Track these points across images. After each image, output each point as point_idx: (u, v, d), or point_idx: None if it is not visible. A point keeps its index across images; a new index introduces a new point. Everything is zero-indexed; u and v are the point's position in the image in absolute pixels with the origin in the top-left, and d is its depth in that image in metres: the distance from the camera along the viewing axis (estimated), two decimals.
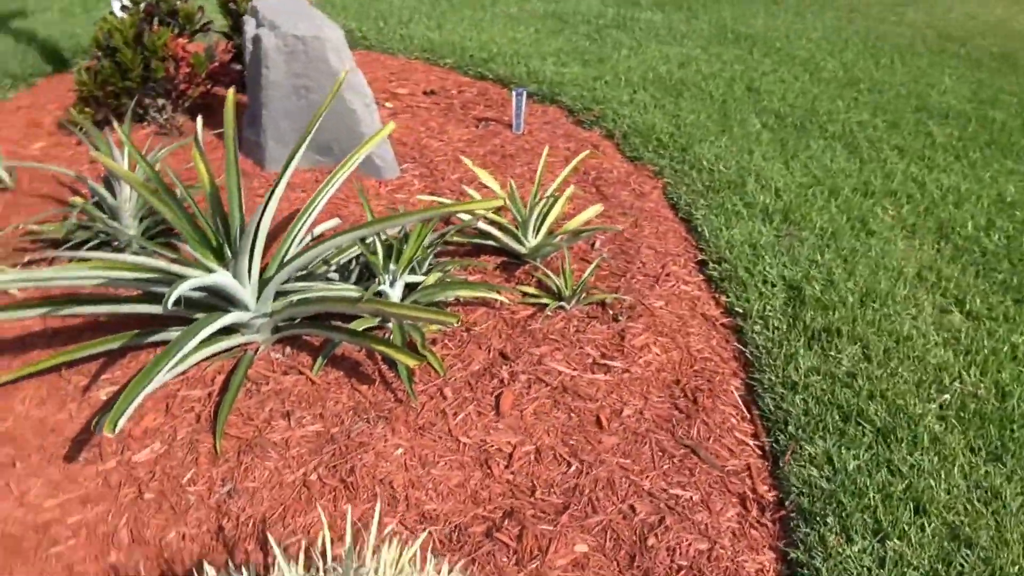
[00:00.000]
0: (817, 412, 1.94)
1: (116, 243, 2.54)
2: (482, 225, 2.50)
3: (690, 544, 1.62)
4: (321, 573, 1.15)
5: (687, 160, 3.26)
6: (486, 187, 2.78)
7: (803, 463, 1.80)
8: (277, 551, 1.22)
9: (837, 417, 1.93)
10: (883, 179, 3.14)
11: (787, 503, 1.73)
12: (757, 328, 2.27)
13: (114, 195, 2.50)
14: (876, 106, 3.89)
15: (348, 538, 1.26)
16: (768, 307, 2.35)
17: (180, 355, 1.65)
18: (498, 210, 2.80)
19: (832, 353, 2.15)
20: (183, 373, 2.01)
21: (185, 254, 2.11)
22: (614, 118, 3.67)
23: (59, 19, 4.99)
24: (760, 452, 1.89)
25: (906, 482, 1.73)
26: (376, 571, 1.12)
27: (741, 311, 2.36)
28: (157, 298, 1.98)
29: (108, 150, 2.56)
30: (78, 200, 2.66)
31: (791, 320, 2.29)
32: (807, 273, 2.50)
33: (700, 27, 5.36)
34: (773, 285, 2.46)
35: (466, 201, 2.78)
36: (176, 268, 1.80)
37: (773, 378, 2.07)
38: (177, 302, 2.00)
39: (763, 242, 2.67)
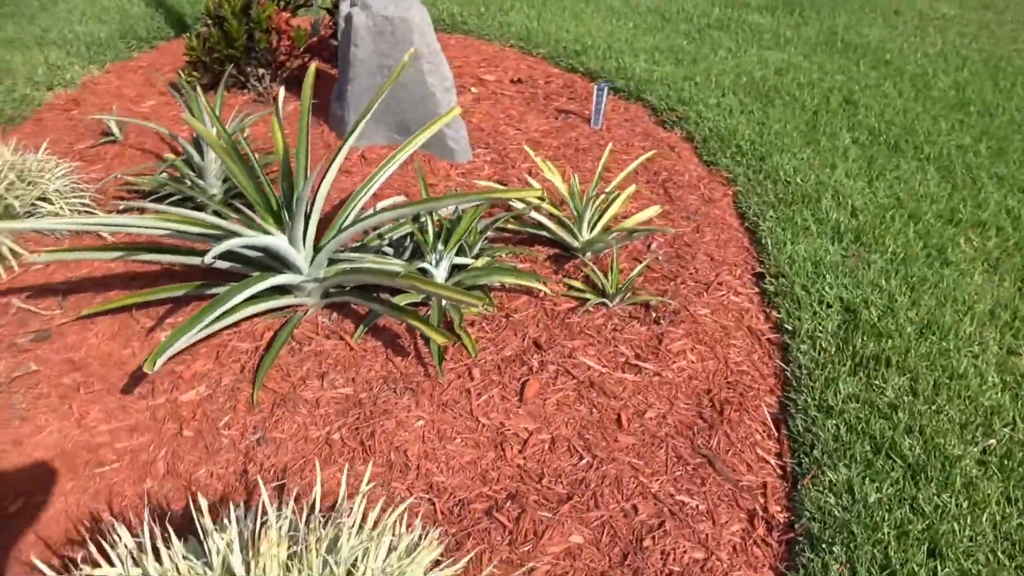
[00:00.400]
0: (848, 440, 1.88)
1: (199, 200, 2.73)
2: (537, 215, 2.54)
3: (686, 551, 1.62)
4: (313, 523, 1.23)
5: (764, 169, 3.18)
6: (549, 180, 2.81)
7: (822, 489, 1.76)
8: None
9: (868, 447, 1.86)
10: (973, 208, 2.96)
11: (796, 526, 1.70)
12: (803, 348, 2.21)
13: (202, 156, 2.68)
14: (983, 130, 3.65)
15: (342, 492, 1.34)
16: (819, 328, 2.28)
17: (225, 308, 1.78)
18: (560, 204, 2.83)
19: (877, 382, 2.06)
20: (236, 326, 2.16)
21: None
22: (696, 120, 3.61)
23: None
24: (780, 472, 1.85)
25: (927, 522, 1.66)
26: (356, 524, 1.19)
27: (790, 328, 2.30)
28: (223, 255, 2.13)
29: (200, 113, 2.75)
30: (170, 157, 2.87)
31: (840, 343, 2.22)
32: (867, 297, 2.40)
33: (808, 33, 5.16)
34: (829, 306, 2.38)
35: (507, 188, 2.82)
36: (235, 227, 1.93)
37: (808, 400, 2.02)
38: (239, 260, 2.15)
39: (827, 260, 2.58)
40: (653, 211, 2.75)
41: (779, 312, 2.38)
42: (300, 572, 1.08)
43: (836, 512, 1.69)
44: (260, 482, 1.62)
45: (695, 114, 3.66)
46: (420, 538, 1.30)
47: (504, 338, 2.19)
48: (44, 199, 2.49)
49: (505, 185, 2.98)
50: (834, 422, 1.93)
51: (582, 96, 3.90)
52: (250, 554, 1.08)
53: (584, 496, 1.74)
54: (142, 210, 2.71)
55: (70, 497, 1.68)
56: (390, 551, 1.20)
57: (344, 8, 3.10)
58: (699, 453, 1.88)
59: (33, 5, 4.73)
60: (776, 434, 1.95)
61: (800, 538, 1.66)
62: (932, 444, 1.86)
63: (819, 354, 2.18)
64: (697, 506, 1.73)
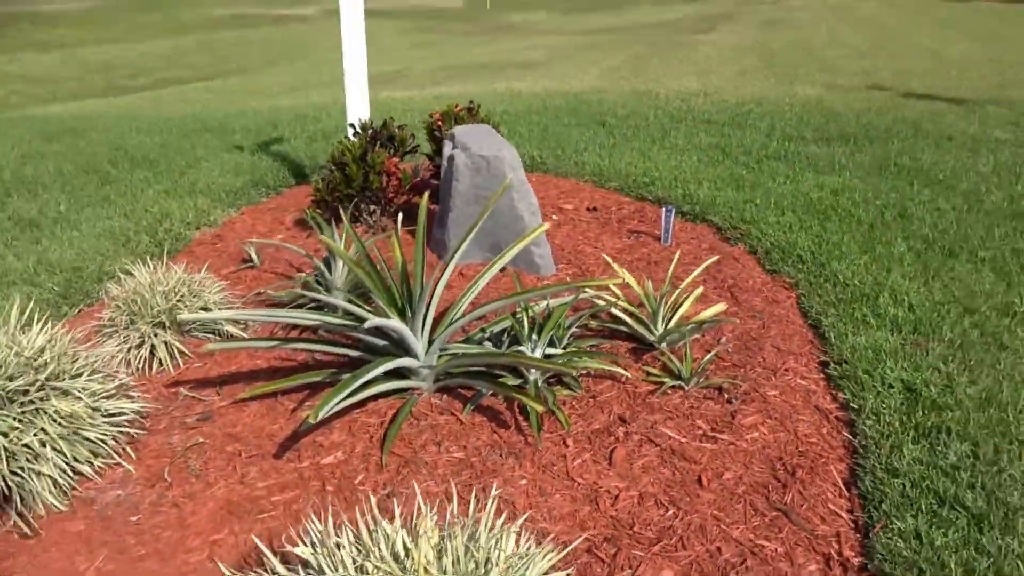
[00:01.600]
0: (913, 495, 2.06)
1: (326, 309, 3.21)
2: (616, 311, 2.90)
3: None
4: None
5: (824, 274, 3.47)
6: (627, 286, 3.18)
7: (892, 535, 1.94)
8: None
9: (932, 501, 2.04)
10: None
11: (870, 567, 1.87)
12: (868, 422, 2.42)
13: (330, 271, 3.20)
14: None
15: (471, 508, 1.64)
16: (883, 405, 2.49)
17: (366, 378, 2.17)
18: (638, 306, 3.19)
19: (939, 448, 2.25)
20: (363, 405, 2.54)
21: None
22: (758, 236, 3.97)
23: (304, 145, 6.22)
24: (852, 525, 2.03)
25: (991, 560, 1.81)
26: (488, 524, 1.48)
27: (855, 406, 2.52)
28: (353, 345, 2.56)
29: (331, 238, 3.30)
30: (301, 275, 3.40)
31: (903, 417, 2.42)
32: (927, 378, 2.61)
33: (862, 160, 5.56)
34: (891, 386, 2.59)
35: (596, 278, 3.19)
36: (369, 316, 2.36)
37: (875, 463, 2.22)
38: (367, 349, 2.57)
39: (887, 348, 2.81)
40: (720, 307, 3.07)
41: (844, 393, 2.60)
42: (447, 554, 1.38)
43: (906, 554, 1.86)
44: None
45: (757, 230, 4.03)
46: (535, 548, 1.57)
47: (592, 414, 2.49)
48: (205, 308, 3.01)
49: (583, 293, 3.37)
50: (900, 481, 2.12)
51: (651, 219, 4.34)
52: (408, 539, 1.39)
53: (672, 540, 1.97)
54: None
55: (239, 536, 2.02)
56: (513, 553, 1.49)
57: (447, 151, 3.70)
58: (775, 507, 2.09)
59: (182, 163, 5.63)
60: (846, 493, 2.15)
61: None
62: (994, 497, 2.02)
63: (883, 426, 2.38)
64: (776, 549, 1.93)
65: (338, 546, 1.40)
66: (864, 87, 9.56)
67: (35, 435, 2.06)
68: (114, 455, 2.28)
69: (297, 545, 1.50)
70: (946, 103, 8.22)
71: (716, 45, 16.21)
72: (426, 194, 3.03)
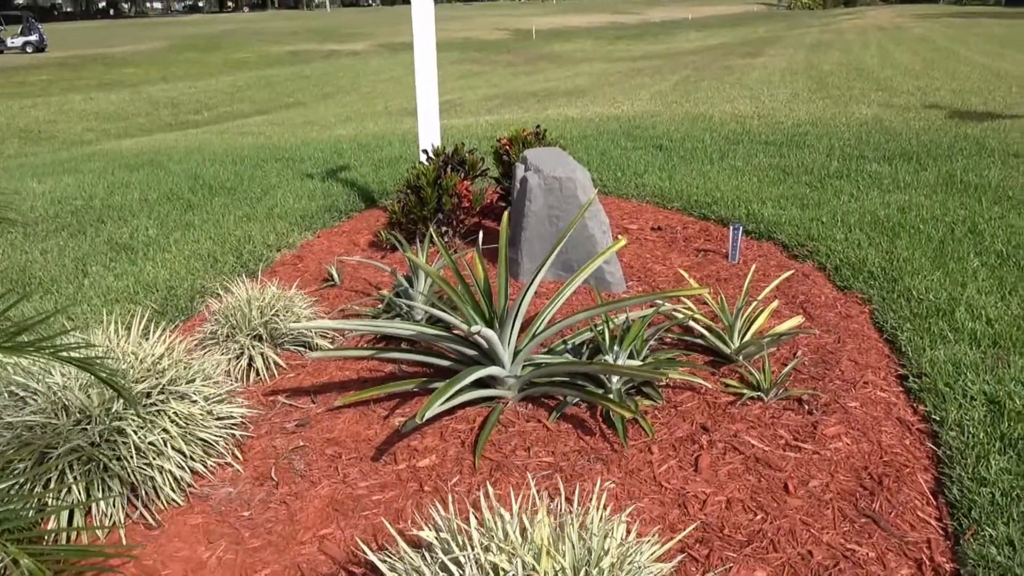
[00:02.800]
0: (1003, 503, 2.08)
1: (411, 322, 3.35)
2: (693, 324, 2.97)
3: None
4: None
5: (896, 290, 3.49)
6: (701, 302, 3.25)
7: (983, 542, 1.96)
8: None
9: (1023, 509, 2.05)
10: None
11: (962, 571, 1.89)
12: (952, 434, 2.43)
13: (412, 287, 3.34)
14: None
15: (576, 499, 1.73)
16: (966, 417, 2.50)
17: (464, 383, 2.29)
18: (713, 320, 3.25)
19: None
20: (452, 413, 2.66)
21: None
22: (827, 253, 4.00)
23: (371, 171, 6.46)
24: (942, 532, 2.06)
25: None
26: (600, 511, 1.57)
27: (938, 419, 2.53)
28: (442, 355, 2.68)
29: (418, 255, 3.46)
30: (384, 292, 3.56)
31: (988, 428, 2.43)
32: (1010, 391, 2.61)
33: (927, 178, 5.52)
34: (973, 399, 2.60)
35: (677, 289, 3.26)
36: (461, 326, 2.49)
37: (963, 474, 2.23)
38: (456, 360, 2.69)
39: (967, 361, 2.81)
40: (795, 321, 3.11)
41: (925, 405, 2.62)
42: (563, 539, 1.47)
43: (999, 559, 1.88)
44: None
45: (825, 248, 4.06)
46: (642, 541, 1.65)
47: (675, 423, 2.56)
48: (297, 322, 3.18)
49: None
50: (989, 490, 2.14)
51: (717, 238, 4.40)
52: (526, 520, 1.48)
53: (763, 543, 2.02)
54: (363, 336, 3.35)
55: (345, 531, 2.14)
56: (623, 541, 1.57)
57: (519, 173, 3.84)
58: (863, 514, 2.13)
59: (257, 191, 5.91)
60: (933, 501, 2.17)
61: None
62: None
63: (968, 437, 2.39)
64: (867, 553, 1.97)
65: (460, 530, 1.51)
66: (921, 106, 9.47)
67: (158, 434, 2.23)
68: (224, 455, 2.43)
69: (421, 529, 1.61)
70: (1009, 119, 8.10)
71: (766, 68, 16.21)
72: (505, 214, 3.16)
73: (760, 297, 3.19)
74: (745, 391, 2.70)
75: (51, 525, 2.09)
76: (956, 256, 3.86)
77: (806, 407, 2.63)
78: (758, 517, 2.12)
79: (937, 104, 9.63)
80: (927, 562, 1.94)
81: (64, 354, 1.49)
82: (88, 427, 2.18)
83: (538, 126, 4.86)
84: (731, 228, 3.96)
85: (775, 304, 3.18)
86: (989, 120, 8.14)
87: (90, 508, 2.15)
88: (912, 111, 9.03)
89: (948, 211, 4.63)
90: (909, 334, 3.08)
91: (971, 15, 35.93)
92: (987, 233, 4.19)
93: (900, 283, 3.54)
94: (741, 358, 2.92)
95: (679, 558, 1.96)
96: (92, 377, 2.03)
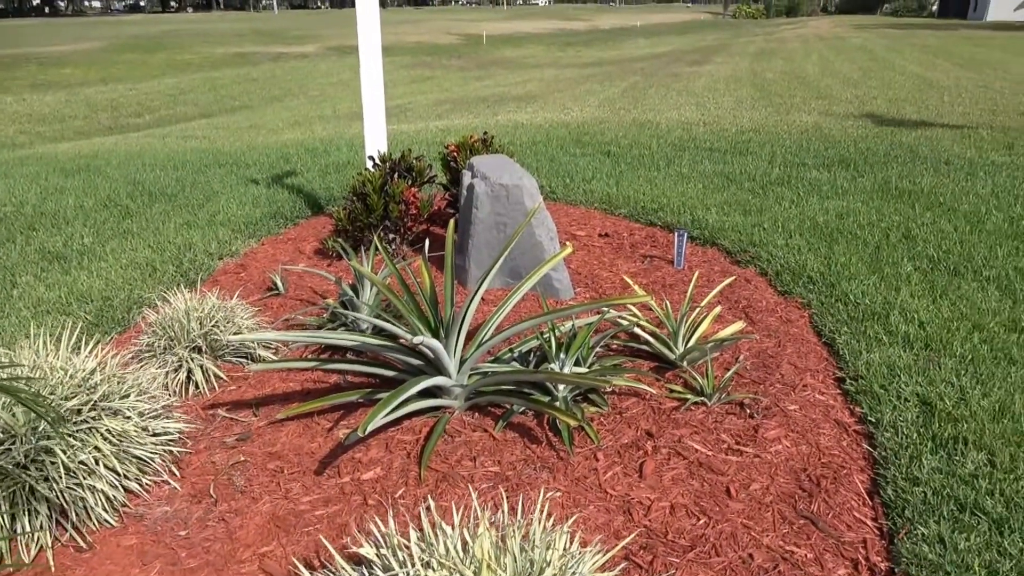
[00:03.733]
0: (935, 502, 2.15)
1: (356, 332, 3.30)
2: (638, 331, 2.99)
3: None
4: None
5: (834, 295, 3.58)
6: (646, 307, 3.28)
7: (916, 540, 2.02)
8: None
9: (954, 507, 2.12)
10: None
11: (897, 570, 1.95)
12: (887, 434, 2.50)
13: (358, 296, 3.30)
14: None
15: (518, 513, 1.72)
16: (900, 418, 2.58)
17: (407, 394, 2.26)
18: (658, 326, 3.29)
19: (957, 458, 2.34)
20: (398, 423, 2.62)
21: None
22: (768, 258, 4.09)
23: (318, 177, 6.37)
24: (878, 532, 2.11)
25: (1014, 562, 1.89)
26: (542, 523, 1.57)
27: (873, 420, 2.60)
28: (389, 365, 2.65)
29: (362, 264, 3.41)
30: (329, 301, 3.50)
31: (920, 429, 2.51)
32: (941, 392, 2.70)
33: (863, 184, 5.70)
34: (906, 400, 2.69)
35: (621, 296, 3.29)
36: (407, 336, 2.46)
37: (896, 473, 2.30)
38: (400, 370, 2.66)
39: (901, 364, 2.91)
40: (738, 327, 3.17)
41: (861, 407, 2.69)
42: (505, 552, 1.46)
43: (931, 557, 1.94)
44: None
45: (766, 253, 4.15)
46: (583, 549, 1.65)
47: (620, 429, 2.58)
48: (238, 333, 3.10)
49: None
50: (921, 489, 2.21)
51: (663, 244, 4.46)
52: (468, 534, 1.47)
53: (705, 547, 2.04)
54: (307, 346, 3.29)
55: (287, 549, 2.09)
56: (565, 551, 1.57)
57: (466, 180, 3.82)
58: (802, 516, 2.17)
59: (199, 197, 5.76)
60: (869, 501, 2.23)
61: None
62: (1013, 502, 2.10)
63: (902, 438, 2.47)
64: (806, 555, 2.01)
65: (400, 546, 1.48)
66: (859, 114, 9.79)
67: (89, 452, 2.14)
68: (160, 472, 2.36)
69: (360, 547, 1.58)
70: (941, 128, 8.42)
71: (712, 76, 16.54)
72: (452, 221, 3.15)
73: (704, 303, 3.24)
74: (689, 396, 2.74)
75: None
76: (891, 261, 3.99)
77: (748, 411, 2.68)
78: (701, 522, 2.14)
79: (874, 113, 9.96)
80: (863, 562, 1.99)
81: None
82: (12, 447, 2.08)
83: (485, 133, 4.85)
84: (676, 234, 4.01)
85: (718, 310, 3.23)
86: (922, 128, 8.45)
87: (14, 533, 2.05)
88: (850, 119, 9.33)
89: (883, 217, 4.79)
90: (846, 337, 3.17)
91: (906, 26, 37.32)
92: (920, 238, 4.35)
93: (838, 288, 3.64)
94: (685, 363, 2.96)
95: (622, 565, 1.97)
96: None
